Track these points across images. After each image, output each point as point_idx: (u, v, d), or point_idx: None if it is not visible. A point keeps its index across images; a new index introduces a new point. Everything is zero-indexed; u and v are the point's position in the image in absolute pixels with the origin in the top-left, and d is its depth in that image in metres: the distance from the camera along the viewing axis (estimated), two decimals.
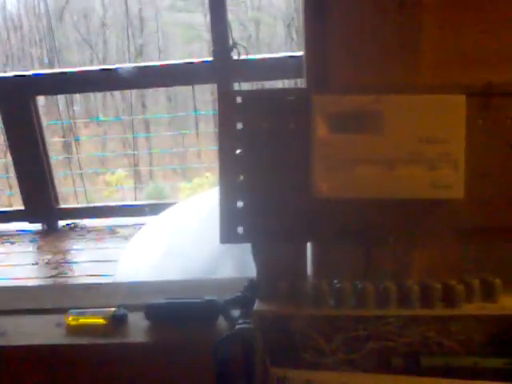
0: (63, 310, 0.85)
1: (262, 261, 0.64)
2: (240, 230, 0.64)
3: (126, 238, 2.33)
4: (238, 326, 0.62)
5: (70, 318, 0.84)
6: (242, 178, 0.64)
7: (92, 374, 0.83)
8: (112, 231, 2.46)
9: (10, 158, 2.50)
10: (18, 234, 2.52)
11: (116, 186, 3.84)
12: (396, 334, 0.59)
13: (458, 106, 0.61)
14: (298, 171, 0.63)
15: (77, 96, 4.57)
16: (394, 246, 0.63)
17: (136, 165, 4.12)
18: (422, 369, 0.59)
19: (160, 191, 3.77)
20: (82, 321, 0.85)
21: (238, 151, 0.64)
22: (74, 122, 4.30)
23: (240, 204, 0.64)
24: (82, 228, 2.55)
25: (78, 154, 3.61)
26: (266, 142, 0.64)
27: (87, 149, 4.36)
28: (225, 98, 0.66)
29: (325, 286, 0.60)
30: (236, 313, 0.78)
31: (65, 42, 5.11)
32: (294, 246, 0.64)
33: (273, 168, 0.64)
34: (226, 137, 0.65)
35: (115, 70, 2.49)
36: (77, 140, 4.06)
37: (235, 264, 1.27)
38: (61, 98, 4.04)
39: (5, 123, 2.44)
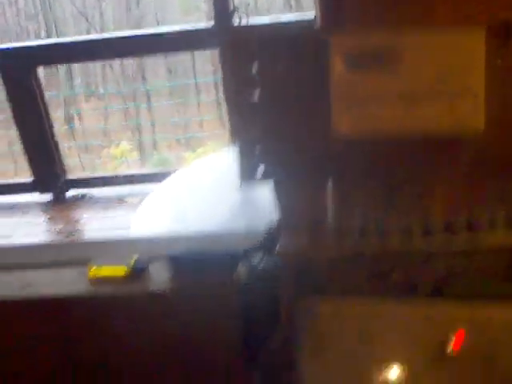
0: (85, 263, 0.86)
1: (283, 199, 0.65)
2: (260, 169, 0.64)
3: (134, 206, 2.33)
4: (262, 265, 0.62)
5: (92, 269, 0.85)
6: (260, 118, 0.64)
7: (115, 322, 0.85)
8: (121, 200, 2.47)
9: (14, 131, 2.49)
10: (28, 205, 2.52)
11: (121, 158, 3.83)
12: (420, 265, 0.60)
13: (477, 39, 0.61)
14: (317, 111, 0.63)
15: (76, 70, 4.53)
16: (416, 184, 0.63)
17: (139, 137, 4.11)
18: (446, 298, 0.60)
19: (165, 161, 3.76)
20: (104, 271, 0.86)
21: (255, 94, 0.64)
22: (75, 96, 4.28)
23: (260, 144, 0.64)
24: (90, 198, 2.56)
25: (81, 125, 3.60)
26: (284, 82, 0.63)
27: (89, 122, 4.34)
28: (237, 39, 0.65)
29: (348, 222, 0.61)
30: (255, 261, 0.79)
31: (61, 15, 5.03)
32: (314, 184, 0.65)
33: (292, 108, 0.63)
34: (240, 81, 0.64)
35: (115, 38, 2.47)
36: (78, 113, 4.04)
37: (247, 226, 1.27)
38: (61, 72, 4.01)
39: (9, 95, 2.42)
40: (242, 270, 0.79)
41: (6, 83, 2.40)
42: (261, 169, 0.64)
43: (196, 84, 4.06)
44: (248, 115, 0.64)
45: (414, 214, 0.62)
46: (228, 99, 0.63)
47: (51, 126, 2.50)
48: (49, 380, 0.86)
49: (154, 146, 4.11)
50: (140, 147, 4.01)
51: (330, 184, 0.66)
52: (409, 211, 0.63)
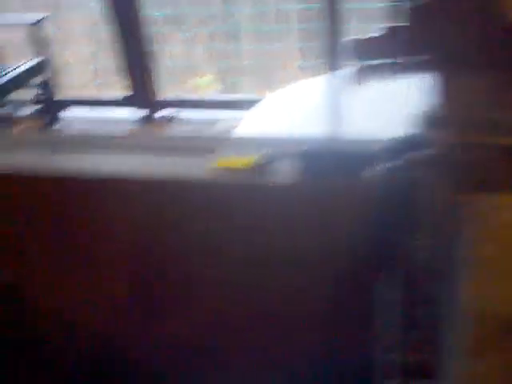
0: (211, 154, 0.85)
1: (442, 91, 0.61)
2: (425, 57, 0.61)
3: (222, 131, 2.34)
4: (397, 167, 0.59)
5: (219, 161, 0.84)
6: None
7: (240, 211, 0.85)
8: (210, 124, 2.48)
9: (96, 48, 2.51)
10: (118, 122, 2.59)
11: (205, 88, 3.84)
12: None
13: None
14: None
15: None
16: None
17: (225, 70, 4.08)
18: None
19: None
20: (230, 162, 0.85)
21: None
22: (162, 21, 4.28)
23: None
24: (179, 120, 2.58)
25: (168, 50, 3.61)
26: None
27: (175, 53, 4.35)
28: None
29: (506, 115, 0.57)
30: (389, 163, 0.74)
31: None
32: (475, 75, 0.60)
33: None
34: None
35: None
36: (163, 38, 4.05)
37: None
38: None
39: (109, 14, 2.45)
40: (371, 171, 0.77)
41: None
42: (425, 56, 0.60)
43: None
44: None
45: None
46: None
47: (147, 46, 2.52)
48: (167, 257, 0.89)
49: (239, 80, 4.07)
50: (223, 82, 3.98)
51: (490, 75, 0.61)
52: None
